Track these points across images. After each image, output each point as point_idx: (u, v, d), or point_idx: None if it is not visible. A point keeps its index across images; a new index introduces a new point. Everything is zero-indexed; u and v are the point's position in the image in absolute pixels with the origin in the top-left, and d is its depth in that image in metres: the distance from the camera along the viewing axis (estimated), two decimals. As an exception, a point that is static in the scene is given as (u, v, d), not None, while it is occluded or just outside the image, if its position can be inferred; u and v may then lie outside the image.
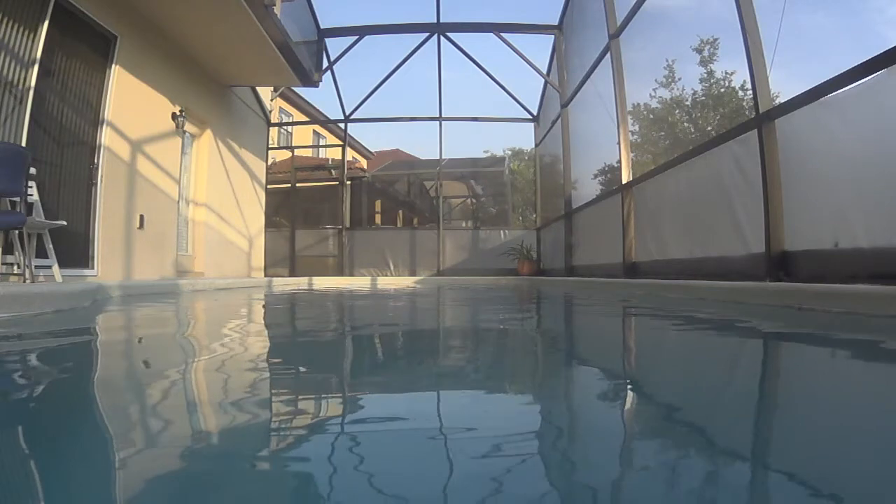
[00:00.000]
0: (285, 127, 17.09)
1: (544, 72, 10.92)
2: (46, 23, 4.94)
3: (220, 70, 8.34)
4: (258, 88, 10.71)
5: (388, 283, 10.10)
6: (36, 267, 4.29)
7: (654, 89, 9.57)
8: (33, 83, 4.82)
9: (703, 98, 10.72)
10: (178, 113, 7.34)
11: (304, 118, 17.30)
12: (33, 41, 4.86)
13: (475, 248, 11.68)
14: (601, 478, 0.68)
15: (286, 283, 9.12)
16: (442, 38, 10.85)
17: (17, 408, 1.04)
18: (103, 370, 1.46)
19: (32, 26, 4.85)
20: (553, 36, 10.44)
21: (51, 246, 4.45)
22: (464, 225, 15.12)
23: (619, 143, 6.65)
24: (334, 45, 11.00)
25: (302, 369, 1.54)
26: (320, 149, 19.02)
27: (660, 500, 0.60)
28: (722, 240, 4.26)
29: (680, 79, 9.97)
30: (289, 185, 12.74)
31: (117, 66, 6.08)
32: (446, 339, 2.38)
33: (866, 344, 1.86)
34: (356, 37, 10.97)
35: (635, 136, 9.24)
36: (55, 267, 4.47)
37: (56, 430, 0.87)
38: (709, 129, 10.25)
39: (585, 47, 8.39)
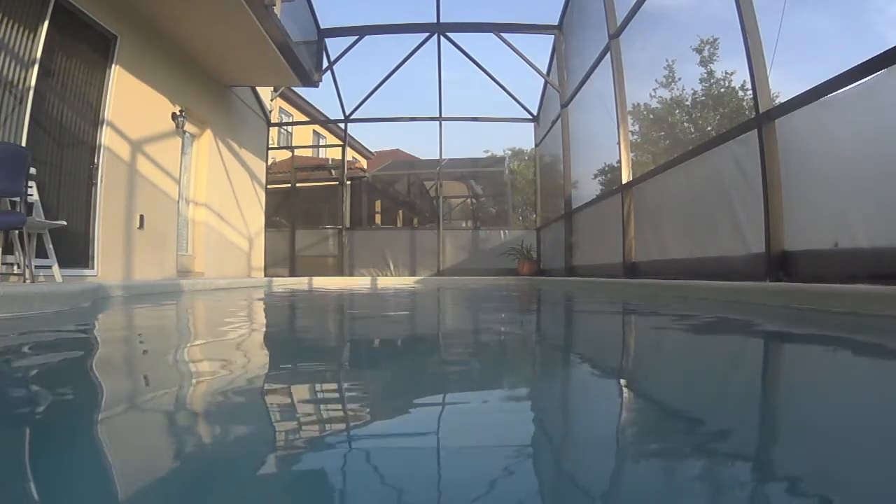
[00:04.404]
0: (285, 127, 17.09)
1: (544, 72, 10.92)
2: (46, 23, 4.94)
3: (220, 70, 8.34)
4: (258, 88, 10.71)
5: (388, 283, 10.10)
6: (36, 267, 4.30)
7: (654, 89, 9.60)
8: (33, 83, 4.82)
9: (703, 98, 10.72)
10: (178, 113, 7.34)
11: (304, 118, 17.31)
12: (33, 41, 4.86)
13: (475, 248, 11.68)
14: (604, 479, 0.68)
15: (286, 283, 9.12)
16: (442, 38, 10.85)
17: (17, 408, 1.04)
18: (102, 369, 1.46)
19: (32, 26, 4.85)
20: (553, 36, 10.44)
21: (51, 246, 4.45)
22: (464, 225, 15.13)
23: (619, 143, 6.65)
24: (334, 45, 11.02)
25: (303, 371, 1.54)
26: (320, 149, 19.02)
27: (662, 502, 0.61)
28: (722, 240, 4.26)
29: (680, 79, 10.00)
30: (289, 185, 12.74)
31: (117, 66, 6.08)
32: (449, 341, 2.38)
33: (866, 344, 1.86)
34: (356, 37, 10.97)
35: (635, 136, 9.25)
36: (55, 267, 4.47)
37: (55, 430, 0.87)
38: (709, 129, 10.26)
39: (585, 47, 8.39)
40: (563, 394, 1.25)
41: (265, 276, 10.76)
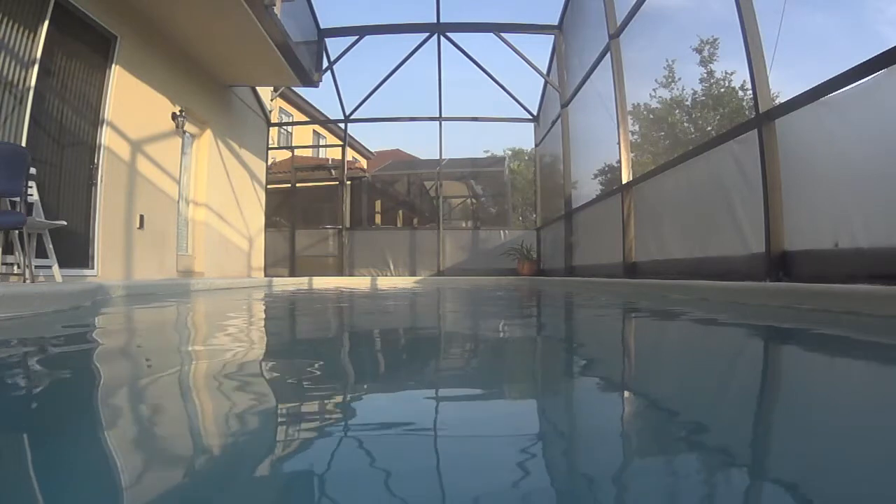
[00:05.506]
0: (285, 127, 17.08)
1: (544, 72, 10.92)
2: (46, 23, 4.94)
3: (220, 70, 8.34)
4: (258, 88, 10.71)
5: (388, 283, 10.10)
6: (36, 267, 4.29)
7: (654, 89, 9.60)
8: (33, 83, 4.82)
9: (703, 98, 10.73)
10: (178, 113, 7.34)
11: (304, 118, 17.29)
12: (33, 41, 4.86)
13: (475, 248, 11.68)
14: (604, 479, 0.68)
15: (286, 283, 9.12)
16: (442, 38, 10.85)
17: (16, 408, 1.04)
18: (102, 370, 1.46)
19: (32, 26, 4.85)
20: (553, 36, 10.43)
21: (51, 246, 4.45)
22: (464, 225, 15.12)
23: (619, 143, 6.65)
24: (334, 45, 11.01)
25: (303, 371, 1.54)
26: (320, 149, 19.01)
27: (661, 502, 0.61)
28: (722, 240, 4.26)
29: (680, 79, 10.01)
30: (289, 185, 12.74)
31: (117, 66, 6.08)
32: (450, 340, 2.38)
33: (865, 343, 1.86)
34: (356, 37, 10.97)
35: (635, 136, 9.24)
36: (55, 267, 4.47)
37: (55, 431, 0.87)
38: (709, 129, 10.26)
39: (585, 47, 8.39)
40: (567, 396, 1.25)
41: (265, 276, 10.76)
